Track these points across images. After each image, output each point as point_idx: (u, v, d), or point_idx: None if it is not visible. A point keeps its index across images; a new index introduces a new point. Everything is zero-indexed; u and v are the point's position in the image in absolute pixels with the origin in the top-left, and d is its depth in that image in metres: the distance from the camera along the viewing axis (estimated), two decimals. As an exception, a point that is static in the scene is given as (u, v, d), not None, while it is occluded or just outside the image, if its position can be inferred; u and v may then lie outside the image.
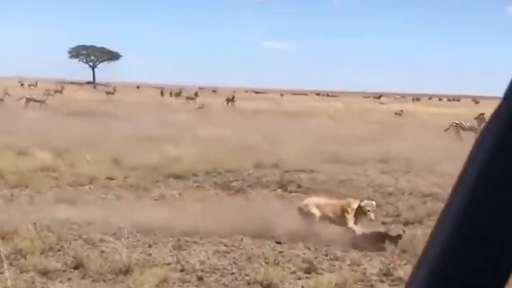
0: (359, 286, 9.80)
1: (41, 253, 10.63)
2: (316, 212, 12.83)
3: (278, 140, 30.95)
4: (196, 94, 74.67)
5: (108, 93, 77.02)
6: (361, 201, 12.93)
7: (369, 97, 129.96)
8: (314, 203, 13.06)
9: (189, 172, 19.98)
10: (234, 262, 10.78)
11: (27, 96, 52.45)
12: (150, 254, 10.89)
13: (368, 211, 12.61)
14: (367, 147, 27.99)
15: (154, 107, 55.57)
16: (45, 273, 9.70)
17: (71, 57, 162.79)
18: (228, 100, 68.16)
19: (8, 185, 16.89)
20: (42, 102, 51.85)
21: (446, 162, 20.40)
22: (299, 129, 38.81)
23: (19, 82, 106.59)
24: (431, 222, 14.36)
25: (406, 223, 14.29)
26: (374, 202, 13.16)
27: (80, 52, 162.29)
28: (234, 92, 79.45)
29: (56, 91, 71.40)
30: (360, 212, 12.62)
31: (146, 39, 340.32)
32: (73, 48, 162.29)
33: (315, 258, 11.21)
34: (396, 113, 60.28)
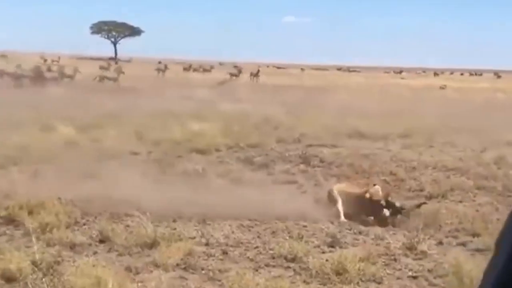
0: (383, 260, 9.78)
1: (66, 227, 10.70)
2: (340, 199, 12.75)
3: (300, 115, 30.98)
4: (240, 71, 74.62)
5: (159, 70, 77.02)
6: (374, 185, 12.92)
7: (389, 72, 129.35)
8: (341, 190, 12.97)
9: (212, 147, 20.01)
10: (258, 236, 10.80)
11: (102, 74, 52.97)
12: (175, 229, 10.91)
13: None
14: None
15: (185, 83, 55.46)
16: (71, 246, 9.77)
17: (92, 33, 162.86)
18: (252, 74, 68.13)
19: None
20: (114, 80, 51.96)
21: None
22: (321, 104, 38.75)
23: (41, 58, 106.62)
24: (455, 197, 14.37)
25: (430, 197, 14.24)
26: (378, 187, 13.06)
27: (102, 28, 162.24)
28: (259, 67, 79.06)
29: (103, 68, 70.48)
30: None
31: (164, 14, 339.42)
32: (95, 24, 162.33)
33: (339, 232, 11.21)
34: (440, 87, 61.78)
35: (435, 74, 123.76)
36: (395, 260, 9.82)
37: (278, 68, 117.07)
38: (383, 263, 9.65)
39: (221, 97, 40.36)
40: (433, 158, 19.76)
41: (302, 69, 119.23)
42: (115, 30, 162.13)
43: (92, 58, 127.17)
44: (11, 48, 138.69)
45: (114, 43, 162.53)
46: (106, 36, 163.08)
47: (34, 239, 9.72)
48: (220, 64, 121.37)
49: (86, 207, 12.24)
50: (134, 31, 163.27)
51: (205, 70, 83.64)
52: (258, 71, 69.30)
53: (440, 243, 10.81)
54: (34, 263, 8.72)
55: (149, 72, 69.88)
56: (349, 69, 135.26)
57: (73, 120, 24.23)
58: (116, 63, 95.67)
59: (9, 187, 13.54)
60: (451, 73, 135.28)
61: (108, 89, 45.15)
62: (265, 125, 26.60)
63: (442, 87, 61.89)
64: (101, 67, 68.62)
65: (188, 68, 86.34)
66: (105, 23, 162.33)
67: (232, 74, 69.97)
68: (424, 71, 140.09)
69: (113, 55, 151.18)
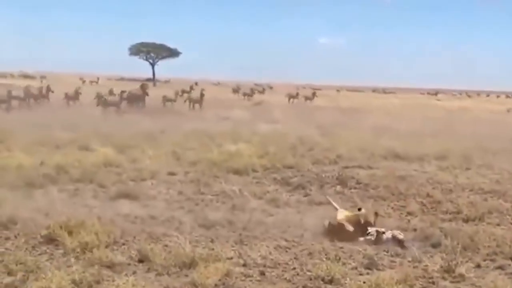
0: (420, 283, 9.69)
1: (106, 247, 10.73)
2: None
3: (336, 136, 30.91)
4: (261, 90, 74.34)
5: (245, 94, 77.93)
6: (359, 210, 12.84)
7: (424, 94, 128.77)
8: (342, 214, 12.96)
9: (249, 167, 20.01)
10: (295, 258, 10.74)
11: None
12: (213, 249, 10.90)
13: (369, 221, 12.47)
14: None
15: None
16: (110, 266, 9.79)
17: (131, 54, 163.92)
18: (307, 98, 67.67)
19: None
20: (199, 102, 52.32)
21: None
22: (357, 125, 38.70)
23: (80, 79, 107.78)
24: (492, 220, 14.21)
25: (467, 220, 14.09)
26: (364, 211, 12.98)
27: (140, 49, 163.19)
28: (298, 89, 79.10)
29: (185, 91, 70.01)
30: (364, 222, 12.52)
31: (201, 35, 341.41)
32: (134, 45, 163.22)
33: (376, 254, 11.12)
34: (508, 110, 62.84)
35: (468, 95, 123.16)
36: (433, 283, 9.72)
37: (314, 89, 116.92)
38: (421, 286, 9.56)
39: (256, 117, 40.52)
40: (469, 180, 19.56)
41: (337, 90, 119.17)
42: (154, 52, 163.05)
43: (130, 79, 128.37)
44: (50, 69, 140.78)
45: (152, 64, 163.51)
46: (144, 58, 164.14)
47: (74, 259, 9.79)
48: (256, 85, 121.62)
49: (125, 226, 12.30)
50: (172, 53, 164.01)
51: (259, 92, 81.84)
52: (314, 93, 69.00)
53: (478, 266, 10.67)
54: (74, 282, 8.77)
55: (226, 94, 69.02)
56: (384, 91, 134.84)
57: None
58: (154, 84, 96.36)
59: (49, 207, 13.67)
60: (487, 95, 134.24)
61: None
62: (301, 146, 26.58)
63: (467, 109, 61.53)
64: (183, 91, 68.25)
65: (237, 90, 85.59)
66: (143, 44, 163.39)
67: (291, 96, 68.41)
68: (460, 93, 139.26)
69: (150, 76, 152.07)
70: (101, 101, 44.92)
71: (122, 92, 46.97)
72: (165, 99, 53.50)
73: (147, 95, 48.64)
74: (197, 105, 51.48)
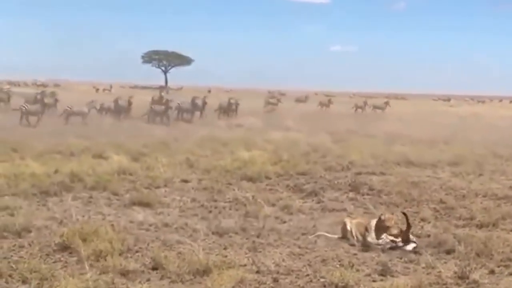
0: (434, 289, 9.66)
1: (120, 254, 10.73)
2: (350, 228, 12.65)
3: (349, 143, 30.92)
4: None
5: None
6: (381, 215, 12.68)
7: (437, 100, 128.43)
8: (351, 221, 12.86)
9: (262, 174, 20.00)
10: (308, 264, 10.71)
11: None
12: (226, 256, 10.89)
13: (388, 226, 12.33)
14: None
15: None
16: (124, 274, 9.79)
17: (143, 62, 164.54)
18: (322, 104, 66.98)
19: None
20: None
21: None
22: (369, 131, 38.69)
23: (93, 87, 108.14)
24: (506, 225, 14.14)
25: (480, 226, 14.01)
26: (394, 216, 12.85)
27: (153, 57, 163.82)
28: (330, 98, 78.81)
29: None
30: (382, 226, 12.35)
31: (213, 42, 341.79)
32: (146, 53, 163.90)
33: (390, 260, 11.08)
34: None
35: (481, 101, 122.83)
36: (446, 289, 9.68)
37: (327, 96, 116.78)
38: (435, 292, 9.52)
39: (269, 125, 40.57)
40: (483, 186, 19.49)
41: (350, 97, 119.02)
42: (166, 59, 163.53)
43: (144, 87, 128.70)
44: (63, 78, 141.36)
45: (165, 72, 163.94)
46: (157, 65, 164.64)
47: (87, 266, 9.80)
48: (269, 92, 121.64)
49: (139, 234, 12.32)
50: (184, 60, 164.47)
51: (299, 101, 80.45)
52: (330, 100, 68.23)
53: (492, 272, 10.60)
54: (88, 290, 8.78)
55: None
56: (396, 97, 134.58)
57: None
58: (167, 92, 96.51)
59: (63, 214, 13.71)
60: (500, 101, 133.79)
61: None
62: (313, 153, 26.57)
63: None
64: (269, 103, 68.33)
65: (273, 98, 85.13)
66: (156, 52, 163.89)
67: (323, 104, 67.47)
68: (472, 99, 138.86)
69: (163, 83, 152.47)
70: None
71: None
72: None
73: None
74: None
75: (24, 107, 40.07)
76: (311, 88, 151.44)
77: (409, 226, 12.27)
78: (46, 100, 46.59)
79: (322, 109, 64.98)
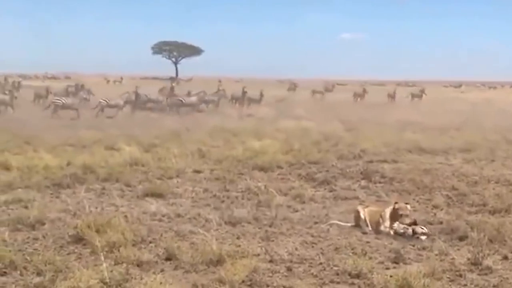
0: (447, 276, 9.64)
1: (133, 245, 10.76)
2: (362, 216, 12.63)
3: (360, 131, 30.88)
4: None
5: (289, 89, 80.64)
6: (395, 203, 12.65)
7: (448, 86, 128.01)
8: (363, 209, 12.83)
9: (273, 164, 20.01)
10: (321, 253, 10.71)
11: None
12: (239, 246, 10.90)
13: (401, 214, 12.32)
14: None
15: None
16: (138, 264, 9.82)
17: (154, 53, 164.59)
18: (357, 95, 65.45)
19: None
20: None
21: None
22: (381, 119, 38.61)
23: (104, 79, 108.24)
24: (519, 211, 14.07)
25: (493, 212, 13.97)
26: (409, 206, 12.84)
27: (163, 48, 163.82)
28: (364, 85, 78.51)
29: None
30: (396, 214, 12.34)
31: (222, 33, 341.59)
32: (156, 44, 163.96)
33: (402, 248, 11.07)
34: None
35: (492, 87, 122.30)
36: (460, 276, 9.66)
37: (339, 84, 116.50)
38: (448, 279, 9.50)
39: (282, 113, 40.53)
40: (495, 172, 19.45)
41: (361, 85, 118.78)
42: (176, 50, 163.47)
43: (154, 78, 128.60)
44: (73, 70, 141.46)
45: (175, 63, 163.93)
46: (167, 56, 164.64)
47: (102, 257, 9.83)
48: (279, 81, 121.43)
49: (152, 225, 12.34)
50: (194, 51, 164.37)
51: (327, 90, 79.02)
52: (364, 90, 67.03)
53: (505, 258, 10.58)
54: (103, 281, 8.80)
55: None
56: (407, 84, 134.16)
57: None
58: (178, 82, 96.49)
59: (77, 206, 13.75)
60: (511, 87, 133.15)
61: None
62: (325, 142, 26.55)
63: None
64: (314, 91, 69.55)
65: (293, 87, 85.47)
66: (166, 43, 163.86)
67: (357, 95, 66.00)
68: (483, 85, 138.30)
69: (173, 74, 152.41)
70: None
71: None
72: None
73: None
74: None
75: (59, 100, 40.28)
76: (322, 76, 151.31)
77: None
78: (83, 94, 47.21)
79: (356, 100, 63.86)
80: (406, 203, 13.00)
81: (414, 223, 12.18)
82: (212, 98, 49.43)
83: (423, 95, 67.49)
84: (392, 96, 64.19)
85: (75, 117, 38.14)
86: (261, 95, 53.73)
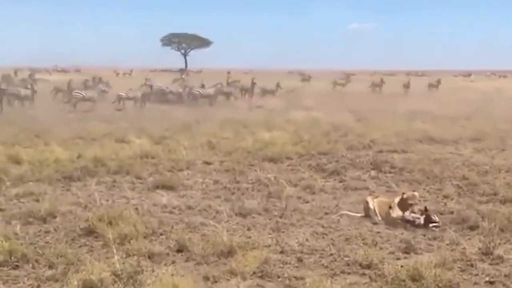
0: (458, 265, 9.63)
1: (144, 237, 10.78)
2: (372, 206, 12.61)
3: (370, 121, 30.85)
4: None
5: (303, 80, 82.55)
6: (403, 193, 12.63)
7: (457, 75, 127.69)
8: (373, 199, 12.82)
9: (283, 155, 20.00)
10: (332, 243, 10.71)
11: None
12: (250, 237, 10.91)
13: (411, 203, 12.31)
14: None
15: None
16: (150, 256, 9.83)
17: (163, 45, 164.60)
18: (374, 84, 65.09)
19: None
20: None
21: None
22: (391, 109, 38.56)
23: (114, 72, 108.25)
24: (530, 201, 14.03)
25: (504, 201, 13.94)
26: (416, 193, 12.84)
27: (172, 40, 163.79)
28: (373, 75, 78.30)
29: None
30: (405, 204, 12.33)
31: (230, 24, 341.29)
32: (165, 36, 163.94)
33: (413, 238, 11.06)
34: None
35: (501, 76, 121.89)
36: (471, 265, 9.65)
37: (348, 74, 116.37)
38: (459, 269, 9.49)
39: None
40: (506, 161, 19.41)
41: (371, 75, 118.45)
42: (185, 42, 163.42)
43: (163, 70, 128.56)
44: (83, 63, 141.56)
45: (184, 55, 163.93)
46: (176, 48, 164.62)
47: (114, 249, 9.86)
48: (290, 73, 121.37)
49: (163, 217, 12.36)
50: (203, 42, 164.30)
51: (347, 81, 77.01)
52: (382, 80, 66.51)
53: (516, 247, 10.58)
54: (114, 273, 8.82)
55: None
56: (416, 74, 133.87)
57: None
58: (187, 74, 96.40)
59: (88, 199, 13.78)
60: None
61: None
62: (334, 132, 26.54)
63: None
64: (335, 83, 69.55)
65: (307, 78, 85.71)
66: (175, 35, 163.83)
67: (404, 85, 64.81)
68: (493, 74, 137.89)
69: (183, 66, 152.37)
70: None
71: None
72: None
73: None
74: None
75: (80, 94, 40.53)
76: (330, 67, 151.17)
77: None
78: (101, 87, 47.62)
79: (374, 91, 63.46)
80: (413, 191, 13.02)
81: (426, 210, 12.17)
82: (229, 89, 49.47)
83: (439, 85, 67.32)
84: (407, 86, 63.62)
85: (88, 109, 38.25)
86: (278, 86, 54.01)
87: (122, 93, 42.00)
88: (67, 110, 38.23)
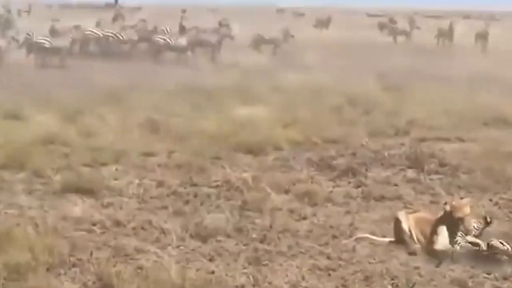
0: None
1: (47, 270, 10.72)
2: (407, 227, 12.65)
3: (406, 91, 30.69)
4: None
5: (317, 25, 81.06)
6: (445, 203, 12.67)
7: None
8: (409, 216, 12.86)
9: (267, 143, 19.93)
10: (343, 285, 10.75)
11: None
12: (213, 272, 10.93)
13: (459, 218, 12.36)
14: None
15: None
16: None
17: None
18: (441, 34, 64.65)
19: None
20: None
21: None
22: (439, 72, 38.22)
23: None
24: None
25: None
26: (467, 200, 12.88)
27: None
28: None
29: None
30: (453, 222, 12.38)
31: None
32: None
33: (470, 277, 11.09)
34: None
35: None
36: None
37: (368, 16, 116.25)
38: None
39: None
40: None
41: (410, 17, 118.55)
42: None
43: (81, 7, 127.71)
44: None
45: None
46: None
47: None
48: (278, 10, 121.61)
49: (77, 238, 12.34)
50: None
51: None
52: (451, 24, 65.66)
53: None
54: None
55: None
56: (482, 16, 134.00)
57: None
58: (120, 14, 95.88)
59: None
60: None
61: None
62: (350, 108, 26.42)
63: None
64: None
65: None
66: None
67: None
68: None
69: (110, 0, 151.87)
70: None
71: None
72: None
73: None
74: None
75: None
76: (336, 5, 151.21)
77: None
78: None
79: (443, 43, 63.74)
80: (461, 198, 13.03)
81: (487, 223, 12.26)
82: (209, 38, 48.44)
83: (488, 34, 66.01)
84: (484, 37, 62.91)
85: None
86: (287, 34, 54.38)
87: (43, 40, 41.96)
88: None
